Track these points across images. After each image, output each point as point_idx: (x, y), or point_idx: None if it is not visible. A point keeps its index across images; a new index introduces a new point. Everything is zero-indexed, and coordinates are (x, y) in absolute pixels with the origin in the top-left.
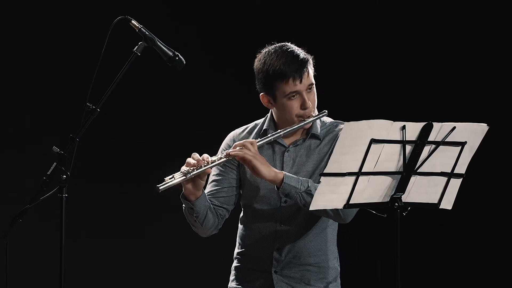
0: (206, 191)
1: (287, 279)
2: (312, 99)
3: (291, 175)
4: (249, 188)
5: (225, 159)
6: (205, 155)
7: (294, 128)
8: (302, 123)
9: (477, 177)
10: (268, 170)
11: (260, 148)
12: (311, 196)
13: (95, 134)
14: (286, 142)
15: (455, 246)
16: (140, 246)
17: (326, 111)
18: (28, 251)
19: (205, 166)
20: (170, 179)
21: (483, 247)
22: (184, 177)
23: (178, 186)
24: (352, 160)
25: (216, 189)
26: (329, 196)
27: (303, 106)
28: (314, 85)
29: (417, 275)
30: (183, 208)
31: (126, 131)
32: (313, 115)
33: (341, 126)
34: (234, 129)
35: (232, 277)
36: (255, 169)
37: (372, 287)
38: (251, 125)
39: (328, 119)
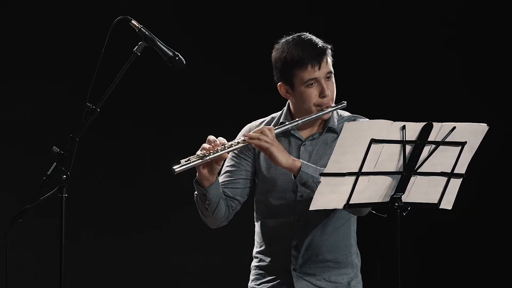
0: (220, 181)
1: (307, 276)
2: (331, 88)
3: (308, 163)
4: (264, 182)
5: (242, 144)
6: (221, 139)
7: (312, 118)
8: (321, 113)
9: (477, 177)
10: (286, 158)
11: (278, 137)
12: None
13: (95, 134)
14: (303, 135)
15: (455, 246)
16: (140, 246)
17: (345, 102)
18: (28, 251)
19: (221, 150)
20: (186, 161)
21: (483, 247)
22: (200, 160)
23: (192, 170)
24: (352, 160)
25: (229, 180)
26: (329, 196)
27: (322, 94)
28: (333, 74)
29: (417, 275)
30: (195, 196)
31: (126, 131)
32: (332, 105)
33: (360, 120)
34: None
35: (252, 277)
36: (272, 156)
37: (372, 287)
38: (267, 118)
39: (345, 113)
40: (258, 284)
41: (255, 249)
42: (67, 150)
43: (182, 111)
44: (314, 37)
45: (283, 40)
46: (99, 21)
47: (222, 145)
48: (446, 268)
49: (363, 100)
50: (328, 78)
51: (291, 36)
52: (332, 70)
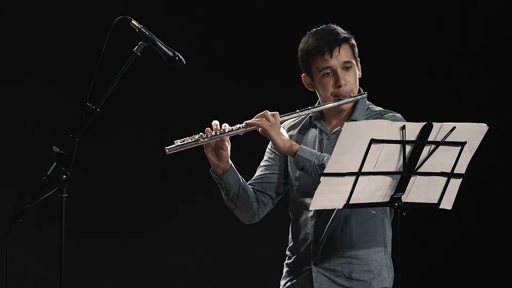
0: (254, 176)
1: (327, 271)
2: (349, 79)
3: (308, 148)
4: (291, 178)
5: (243, 129)
6: (225, 124)
7: (325, 107)
8: (336, 103)
9: (477, 177)
10: (283, 141)
11: (305, 130)
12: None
13: (95, 134)
14: (328, 128)
15: (455, 246)
16: (140, 246)
17: (366, 93)
18: (28, 251)
19: (220, 134)
20: (181, 142)
21: (483, 247)
22: (195, 142)
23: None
24: (352, 160)
25: (262, 174)
26: (329, 196)
27: (337, 83)
28: (354, 66)
29: (418, 275)
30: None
31: (126, 131)
32: (351, 96)
33: (389, 114)
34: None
35: (283, 274)
36: (271, 139)
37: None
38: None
39: (377, 108)
40: (286, 282)
41: (288, 246)
42: (67, 150)
43: (182, 111)
44: (336, 27)
45: (308, 32)
46: (99, 21)
47: (223, 130)
48: (446, 268)
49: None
50: (347, 68)
51: (315, 29)
52: (353, 61)
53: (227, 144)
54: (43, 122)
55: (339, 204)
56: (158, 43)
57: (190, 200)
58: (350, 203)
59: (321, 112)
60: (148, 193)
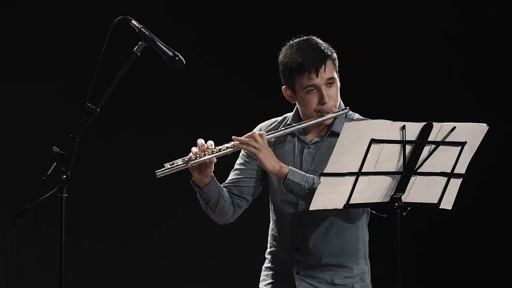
0: (228, 179)
1: (310, 279)
2: (332, 95)
3: (297, 170)
4: (272, 183)
5: (231, 149)
6: (210, 143)
7: (310, 124)
8: (320, 119)
9: (477, 177)
10: (273, 164)
11: (282, 142)
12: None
13: (95, 134)
14: (308, 138)
15: (455, 246)
16: (140, 246)
17: (348, 108)
18: (28, 251)
19: (208, 154)
20: (171, 165)
21: (483, 247)
22: (184, 164)
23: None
24: (352, 160)
25: (237, 178)
26: (329, 196)
27: (321, 101)
28: (336, 80)
29: (417, 275)
30: (197, 194)
31: (126, 131)
32: (334, 111)
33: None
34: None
35: (261, 277)
36: (259, 162)
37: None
38: (280, 118)
39: (355, 115)
40: (265, 285)
41: (267, 250)
42: (67, 150)
43: (182, 111)
44: (318, 42)
45: (289, 43)
46: (99, 21)
47: (211, 150)
48: (446, 268)
49: (363, 100)
50: (329, 84)
51: (295, 40)
52: (335, 76)
53: (213, 163)
54: (43, 122)
55: (339, 204)
56: (158, 43)
57: (190, 200)
58: (350, 203)
59: (299, 120)
60: (148, 193)
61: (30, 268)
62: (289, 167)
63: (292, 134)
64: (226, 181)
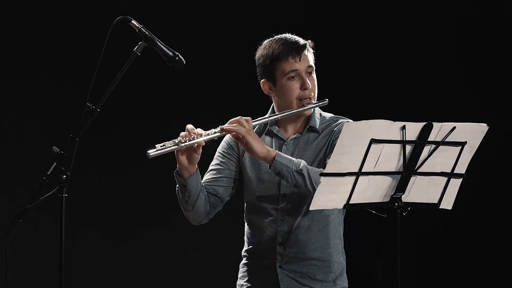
0: (203, 179)
1: (292, 273)
2: (313, 83)
3: (284, 154)
4: (249, 182)
5: (219, 134)
6: (199, 129)
7: (293, 112)
8: (301, 109)
9: (477, 177)
10: (261, 147)
11: (260, 137)
12: (302, 176)
13: (95, 134)
14: (285, 135)
15: (455, 246)
16: (140, 246)
17: (327, 99)
18: (28, 251)
19: (197, 138)
20: (161, 146)
21: (483, 247)
22: (176, 146)
23: (170, 155)
24: (352, 160)
25: (214, 178)
26: (329, 196)
27: (303, 86)
28: (314, 70)
29: (417, 275)
30: (176, 189)
31: (126, 131)
32: (313, 102)
33: (341, 120)
34: None
35: (240, 275)
36: (248, 145)
37: (372, 287)
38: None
39: (328, 114)
40: (246, 282)
41: (244, 248)
42: (67, 150)
43: (182, 111)
44: (295, 36)
45: (266, 40)
46: (99, 21)
47: (199, 134)
48: (446, 268)
49: (363, 100)
50: (309, 73)
51: (273, 37)
52: (313, 66)
53: (201, 148)
54: (43, 122)
55: (339, 204)
56: (158, 43)
57: None
58: (350, 203)
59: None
60: (148, 193)
61: (30, 268)
62: (276, 150)
63: (269, 133)
64: (202, 181)
